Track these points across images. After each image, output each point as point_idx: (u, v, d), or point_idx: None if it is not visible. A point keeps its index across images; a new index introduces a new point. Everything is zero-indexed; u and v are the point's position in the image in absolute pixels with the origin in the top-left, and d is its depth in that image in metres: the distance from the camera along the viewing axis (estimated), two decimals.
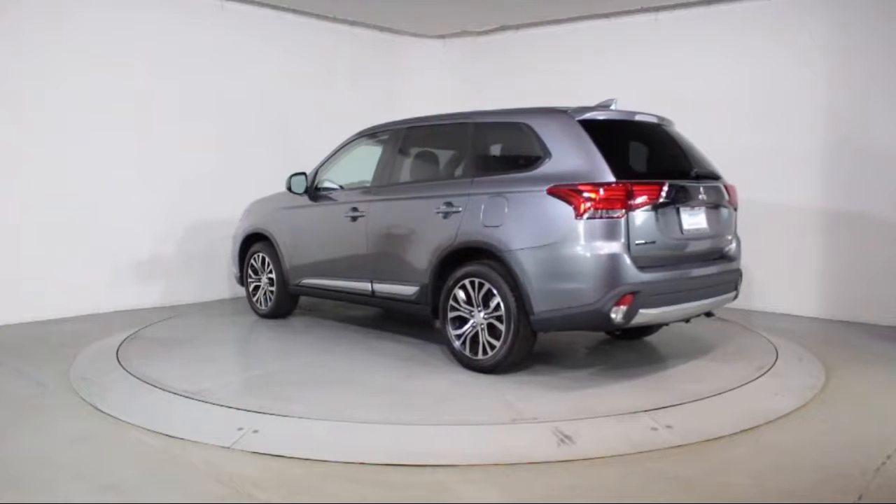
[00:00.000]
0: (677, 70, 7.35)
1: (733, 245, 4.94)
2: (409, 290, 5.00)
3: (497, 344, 4.41)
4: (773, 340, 5.48)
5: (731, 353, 5.15)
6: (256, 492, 2.93)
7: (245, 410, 3.77)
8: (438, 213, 4.76)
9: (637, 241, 4.13)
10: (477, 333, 4.53)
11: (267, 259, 6.28)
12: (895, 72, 6.28)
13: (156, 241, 7.05)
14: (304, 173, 5.89)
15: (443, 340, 4.81)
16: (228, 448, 3.36)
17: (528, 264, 4.22)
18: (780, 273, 6.90)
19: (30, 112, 6.22)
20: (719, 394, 4.14)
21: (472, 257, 4.59)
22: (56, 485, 3.02)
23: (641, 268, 4.12)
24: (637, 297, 4.08)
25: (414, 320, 5.82)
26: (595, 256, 4.05)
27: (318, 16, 8.07)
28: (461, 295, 4.60)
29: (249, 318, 6.48)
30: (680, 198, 4.39)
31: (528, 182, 4.36)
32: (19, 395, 4.23)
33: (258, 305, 6.47)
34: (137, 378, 4.39)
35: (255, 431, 3.52)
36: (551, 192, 4.18)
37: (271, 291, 6.30)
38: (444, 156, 5.36)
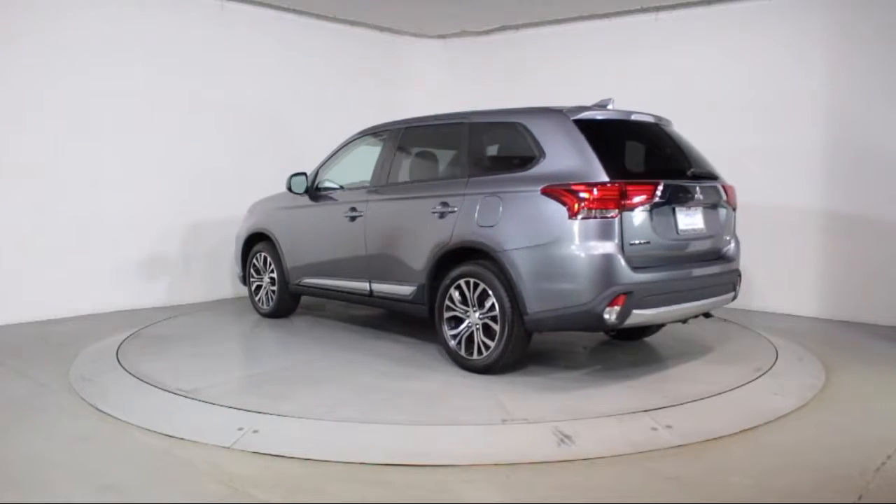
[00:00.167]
0: (677, 70, 7.35)
1: (732, 245, 4.91)
2: (406, 289, 5.01)
3: (492, 344, 4.42)
4: (772, 340, 5.48)
5: (731, 354, 5.15)
6: (256, 492, 2.93)
7: (245, 410, 3.77)
8: (434, 213, 4.76)
9: (631, 242, 4.12)
10: (472, 333, 4.53)
11: (269, 259, 6.30)
12: (895, 71, 6.28)
13: (156, 241, 7.05)
14: (304, 173, 5.91)
15: (440, 341, 4.81)
16: (228, 448, 3.36)
17: (521, 264, 4.21)
18: (780, 273, 6.90)
19: (29, 112, 6.22)
20: (719, 394, 4.14)
21: (467, 257, 4.59)
22: (56, 485, 3.02)
23: (635, 268, 4.10)
24: (630, 298, 4.06)
25: (413, 320, 5.82)
26: (588, 257, 4.04)
27: (318, 16, 8.07)
28: (457, 295, 4.61)
29: (251, 318, 6.48)
30: (675, 198, 4.37)
31: (522, 182, 4.36)
32: (19, 395, 4.23)
33: (260, 305, 6.50)
34: (137, 378, 4.39)
35: (255, 431, 3.52)
36: (545, 192, 4.18)
37: (273, 291, 6.32)
38: (440, 156, 5.36)
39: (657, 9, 7.44)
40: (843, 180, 6.55)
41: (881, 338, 5.87)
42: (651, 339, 5.45)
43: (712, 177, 4.78)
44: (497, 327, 4.37)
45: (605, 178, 4.08)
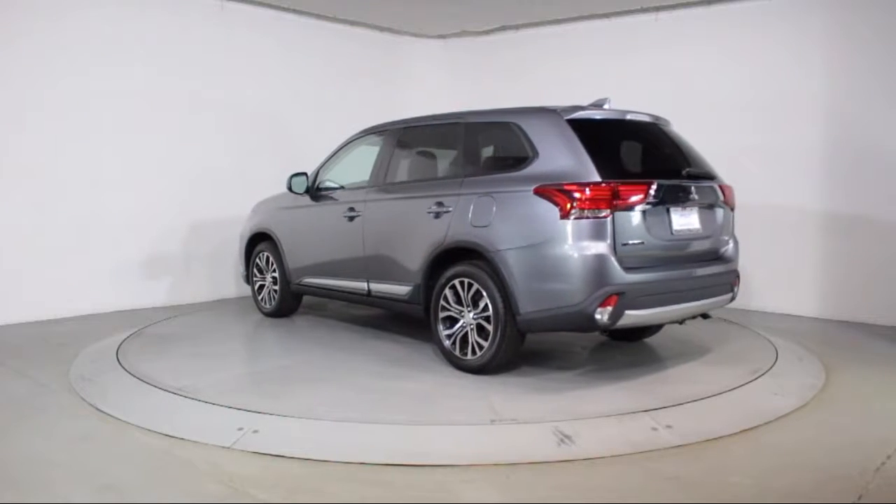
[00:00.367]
0: (677, 70, 7.35)
1: (730, 246, 4.88)
2: (402, 289, 5.01)
3: (486, 344, 4.41)
4: (772, 340, 5.48)
5: (731, 354, 5.15)
6: (256, 492, 2.93)
7: (245, 410, 3.77)
8: (430, 213, 4.76)
9: (624, 242, 4.10)
10: (466, 333, 4.53)
11: (271, 258, 6.33)
12: (895, 71, 6.28)
13: (156, 241, 7.05)
14: (304, 173, 5.94)
15: (435, 341, 4.80)
16: (228, 448, 3.36)
17: (514, 264, 4.21)
18: (780, 273, 6.90)
19: (29, 112, 6.22)
20: (719, 394, 4.14)
21: (462, 257, 4.59)
22: (56, 485, 3.02)
23: (628, 269, 4.08)
24: (623, 299, 4.04)
25: (413, 321, 5.82)
26: (580, 257, 4.02)
27: (318, 16, 8.07)
28: (451, 295, 4.61)
29: (253, 318, 6.50)
30: (670, 198, 4.34)
31: (515, 182, 4.35)
32: (19, 395, 4.23)
33: (263, 304, 6.53)
34: (137, 378, 4.39)
35: (255, 431, 3.52)
36: (538, 192, 4.17)
37: (275, 290, 6.35)
38: (437, 156, 5.37)
39: (657, 9, 7.44)
40: (842, 180, 6.55)
41: (881, 338, 5.87)
42: (650, 340, 5.45)
43: (709, 177, 4.74)
44: (490, 328, 4.37)
45: (598, 178, 4.06)
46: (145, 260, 7.00)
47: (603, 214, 4.04)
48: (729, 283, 4.81)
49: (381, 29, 8.72)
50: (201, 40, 7.25)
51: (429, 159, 5.41)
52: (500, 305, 4.29)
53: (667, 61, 7.41)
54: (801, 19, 6.70)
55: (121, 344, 5.28)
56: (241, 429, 3.54)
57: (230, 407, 3.84)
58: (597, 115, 4.51)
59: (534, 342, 5.30)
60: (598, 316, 4.01)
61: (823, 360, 4.98)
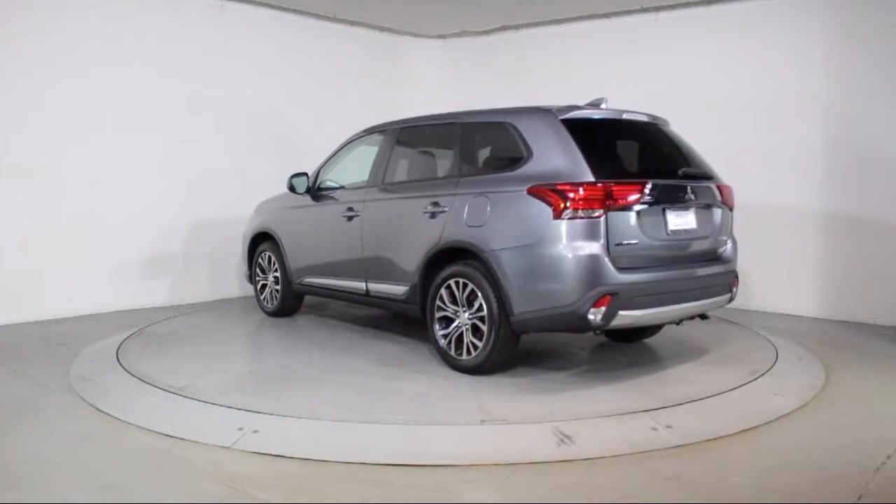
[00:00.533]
0: (677, 70, 7.35)
1: (728, 246, 4.84)
2: (399, 289, 5.02)
3: (480, 345, 4.41)
4: (772, 340, 5.48)
5: (731, 354, 5.15)
6: (256, 492, 2.93)
7: (245, 410, 3.77)
8: (426, 213, 4.76)
9: (617, 242, 4.08)
10: (462, 334, 4.53)
11: (273, 258, 6.35)
12: (895, 71, 6.28)
13: (156, 241, 7.05)
14: (305, 173, 5.97)
15: (431, 341, 4.80)
16: (228, 448, 3.36)
17: (508, 265, 4.20)
18: (780, 273, 6.90)
19: (29, 112, 6.22)
20: (719, 394, 4.14)
21: (457, 257, 4.58)
22: (56, 485, 3.02)
23: (622, 269, 4.06)
24: (616, 299, 4.02)
25: (413, 321, 5.82)
26: (573, 257, 4.01)
27: (318, 16, 8.07)
28: (447, 295, 4.60)
29: (254, 317, 6.51)
30: (666, 198, 4.31)
31: (509, 182, 4.34)
32: (19, 395, 4.23)
33: (265, 304, 6.56)
34: (137, 378, 4.39)
35: (255, 431, 3.52)
36: (531, 192, 4.16)
37: (277, 290, 6.37)
38: (434, 156, 5.36)
39: (657, 9, 7.44)
40: (842, 180, 6.55)
41: (881, 338, 5.87)
42: (650, 341, 5.44)
43: (706, 176, 4.70)
44: (485, 328, 4.36)
45: (591, 178, 4.05)
46: (145, 260, 7.00)
47: (596, 214, 4.02)
48: (727, 283, 4.78)
49: (381, 29, 8.72)
50: (201, 40, 7.25)
51: (426, 159, 5.42)
52: (495, 305, 4.29)
53: (667, 61, 7.41)
54: (801, 19, 6.70)
55: (121, 344, 5.28)
56: (241, 429, 3.54)
57: (230, 407, 3.84)
58: (592, 114, 4.50)
59: (533, 343, 5.30)
60: (591, 316, 4.00)
61: (823, 360, 4.98)
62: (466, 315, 4.49)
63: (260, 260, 6.53)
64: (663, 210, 4.31)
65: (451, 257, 4.62)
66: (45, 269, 6.32)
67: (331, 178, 5.97)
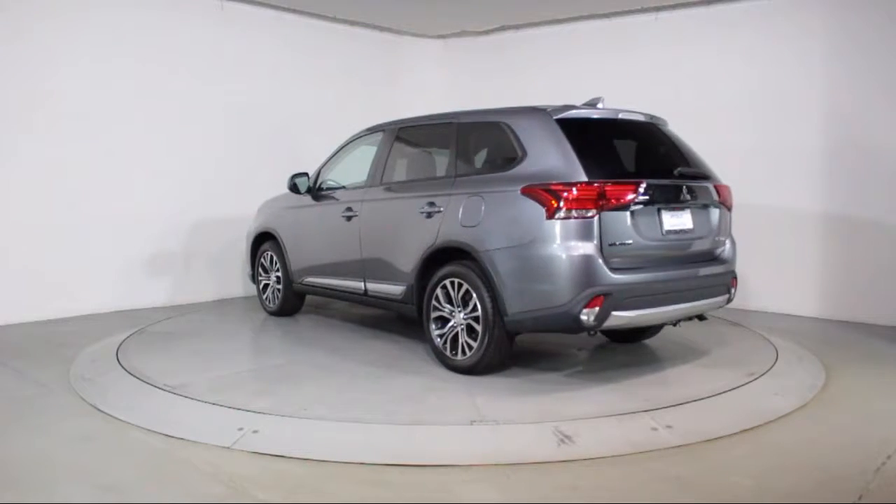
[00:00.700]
0: (677, 70, 7.35)
1: (726, 246, 4.80)
2: (397, 289, 5.02)
3: (475, 345, 4.40)
4: (772, 340, 5.48)
5: (731, 354, 5.15)
6: (256, 492, 2.93)
7: (245, 410, 3.77)
8: (422, 213, 4.76)
9: (611, 242, 4.05)
10: (457, 334, 4.52)
11: (274, 258, 6.38)
12: (895, 71, 6.28)
13: (157, 241, 7.05)
14: (305, 173, 6.00)
15: (427, 340, 4.81)
16: (228, 448, 3.36)
17: (501, 265, 4.19)
18: (780, 273, 6.90)
19: (31, 113, 6.22)
20: (719, 394, 4.14)
21: (452, 258, 4.57)
22: (56, 485, 3.02)
23: (615, 269, 4.04)
24: (609, 300, 4.00)
25: (413, 321, 5.82)
26: (565, 257, 3.99)
27: (318, 16, 8.07)
28: (442, 295, 4.60)
29: (254, 317, 6.52)
30: (661, 198, 4.28)
31: (503, 182, 4.33)
32: (19, 395, 4.23)
33: (267, 303, 6.59)
34: (138, 378, 4.38)
35: (255, 431, 3.52)
36: (525, 192, 4.15)
37: (279, 289, 6.39)
38: (430, 156, 5.37)
39: (657, 9, 7.44)
40: (843, 180, 6.55)
41: (881, 338, 5.87)
42: (650, 341, 5.42)
43: (703, 176, 4.65)
44: (480, 328, 4.36)
45: (584, 178, 4.03)
46: (146, 260, 7.00)
47: (590, 214, 4.00)
48: (725, 284, 4.74)
49: (381, 29, 8.72)
50: (201, 40, 7.25)
51: (423, 159, 5.42)
52: (489, 306, 4.28)
53: (667, 61, 7.41)
54: (802, 19, 6.70)
55: (121, 344, 5.28)
56: (241, 429, 3.54)
57: (230, 407, 3.84)
58: (587, 114, 4.48)
59: (533, 343, 5.30)
60: (583, 317, 3.98)
61: (823, 360, 4.98)
62: (461, 315, 4.48)
63: (262, 259, 6.56)
64: (658, 210, 4.29)
65: (446, 257, 4.62)
66: (45, 269, 6.32)
67: (331, 178, 5.99)
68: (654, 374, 4.58)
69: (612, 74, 7.61)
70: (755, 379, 4.44)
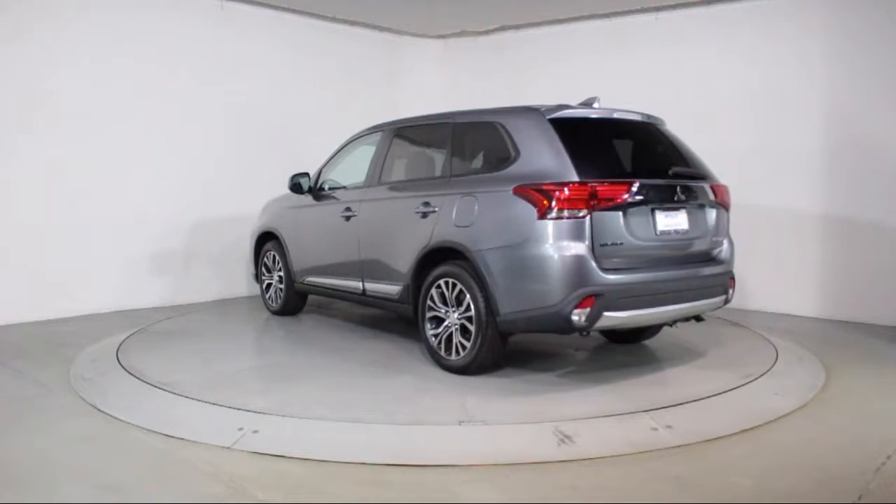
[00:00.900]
0: (677, 70, 7.35)
1: (724, 247, 4.74)
2: (393, 289, 5.03)
3: (468, 345, 4.40)
4: (772, 340, 5.48)
5: (731, 354, 5.15)
6: (256, 492, 2.93)
7: (245, 410, 3.77)
8: (417, 213, 4.77)
9: (602, 243, 4.03)
10: (451, 334, 4.52)
11: (277, 257, 6.40)
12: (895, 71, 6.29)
13: (157, 241, 7.05)
14: (306, 173, 6.02)
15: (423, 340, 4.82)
16: (228, 448, 3.36)
17: (493, 265, 4.19)
18: (780, 273, 6.90)
19: (31, 113, 6.22)
20: (719, 394, 4.13)
21: (448, 257, 4.57)
22: (56, 485, 3.02)
23: (607, 269, 4.02)
24: (600, 300, 3.98)
25: (412, 321, 5.82)
26: (556, 258, 3.97)
27: (318, 16, 8.07)
28: (437, 295, 4.60)
29: (255, 317, 6.54)
30: (655, 198, 4.25)
31: (496, 182, 4.33)
32: (19, 395, 4.23)
33: (270, 303, 6.61)
34: (138, 378, 4.38)
35: (255, 431, 3.52)
36: (517, 192, 4.14)
37: (281, 289, 6.42)
38: (427, 156, 5.37)
39: (657, 9, 7.44)
40: (843, 180, 6.55)
41: (881, 338, 5.87)
42: (649, 342, 5.40)
43: (699, 176, 4.61)
44: (473, 328, 4.35)
45: (576, 178, 4.01)
46: (146, 260, 7.00)
47: (581, 215, 3.98)
48: (722, 284, 4.69)
49: (381, 29, 8.72)
50: (201, 40, 7.25)
51: (419, 159, 5.42)
52: (482, 306, 4.27)
53: (667, 61, 7.41)
54: (802, 19, 6.70)
55: (121, 344, 5.28)
56: (241, 429, 3.54)
57: (230, 407, 3.83)
58: (581, 114, 4.46)
59: (531, 344, 5.30)
60: (574, 317, 3.96)
61: (823, 360, 4.98)
62: (455, 315, 4.48)
63: (265, 259, 6.59)
64: (652, 210, 4.26)
65: (441, 257, 4.62)
66: (45, 269, 6.32)
67: (331, 178, 6.02)
68: (654, 375, 4.58)
69: (612, 74, 7.61)
70: (755, 379, 4.44)
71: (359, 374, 4.55)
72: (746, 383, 4.35)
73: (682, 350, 5.20)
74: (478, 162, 4.82)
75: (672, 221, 4.37)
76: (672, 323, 4.70)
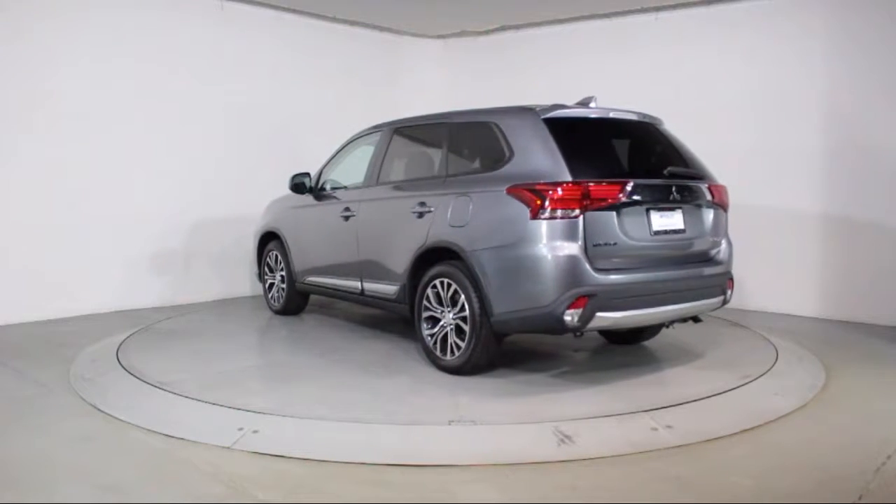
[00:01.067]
0: (677, 70, 7.35)
1: (721, 247, 4.69)
2: (391, 288, 5.04)
3: (463, 345, 4.39)
4: (772, 340, 5.48)
5: (731, 354, 5.14)
6: (256, 492, 2.93)
7: (245, 410, 3.77)
8: (413, 213, 4.77)
9: (595, 243, 4.01)
10: (447, 334, 4.52)
11: (279, 257, 6.42)
12: None
13: (157, 241, 7.04)
14: (307, 173, 6.04)
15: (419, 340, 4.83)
16: (228, 448, 3.36)
17: (487, 265, 4.18)
18: (781, 273, 6.89)
19: (32, 112, 6.22)
20: (719, 394, 4.13)
21: (443, 257, 4.57)
22: (56, 485, 3.02)
23: (600, 270, 4.00)
24: (593, 300, 3.96)
25: (412, 321, 5.83)
26: (549, 258, 3.96)
27: (318, 16, 8.07)
28: (433, 295, 4.60)
29: (257, 316, 6.55)
30: (649, 198, 4.23)
31: (490, 182, 4.33)
32: (19, 395, 4.23)
33: (272, 302, 6.64)
34: (138, 378, 4.38)
35: (255, 431, 3.52)
36: (510, 192, 4.13)
37: (283, 288, 6.43)
38: (424, 156, 5.37)
39: (657, 9, 7.43)
40: (843, 180, 6.55)
41: (881, 338, 5.87)
42: (649, 343, 5.38)
43: (696, 176, 4.57)
44: (467, 328, 4.35)
45: (569, 178, 4.00)
46: (146, 260, 6.99)
47: (573, 214, 3.97)
48: (720, 285, 4.64)
49: (381, 29, 8.72)
50: (201, 40, 7.25)
51: (416, 159, 5.42)
52: (476, 306, 4.27)
53: (667, 61, 7.41)
54: (802, 19, 6.70)
55: (121, 344, 5.28)
56: (241, 429, 3.53)
57: (230, 407, 3.83)
58: (576, 113, 4.45)
59: (530, 345, 5.30)
60: (567, 317, 3.95)
61: (823, 360, 4.98)
62: (450, 315, 4.48)
63: (268, 259, 6.61)
64: (647, 210, 4.24)
65: (437, 257, 4.62)
66: (45, 269, 6.32)
67: (332, 178, 6.03)
68: (654, 375, 4.58)
69: (612, 74, 7.61)
70: (755, 379, 4.44)
71: (359, 374, 4.55)
72: (746, 383, 4.35)
73: (682, 350, 5.20)
74: (473, 162, 4.82)
75: (667, 222, 4.35)
76: (669, 324, 4.68)
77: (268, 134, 7.76)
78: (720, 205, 4.70)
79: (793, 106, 6.74)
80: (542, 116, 4.30)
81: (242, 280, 7.65)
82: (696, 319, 4.72)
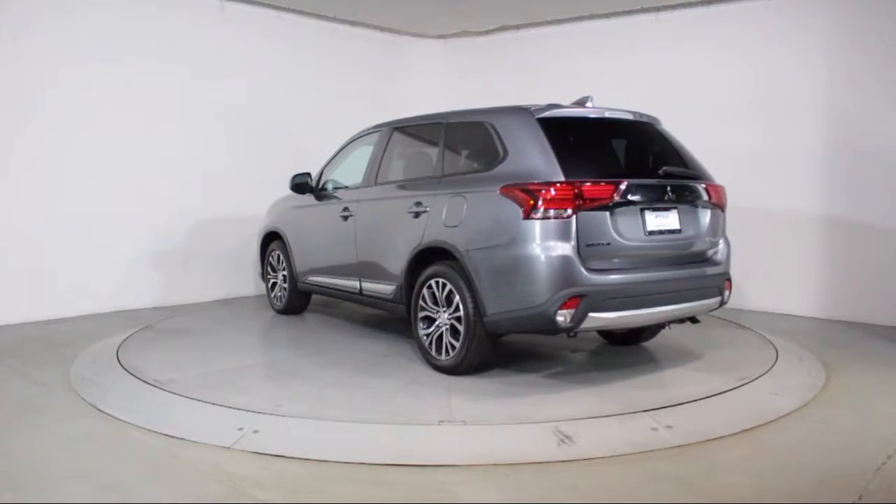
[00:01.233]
0: (677, 70, 7.35)
1: (719, 248, 4.66)
2: (388, 288, 5.05)
3: (458, 345, 4.39)
4: (772, 340, 5.48)
5: (731, 354, 5.15)
6: (256, 492, 2.93)
7: (245, 410, 3.77)
8: (410, 212, 4.77)
9: (588, 243, 4.00)
10: (442, 334, 4.52)
11: (281, 256, 6.44)
12: None
13: (157, 241, 7.05)
14: (308, 173, 6.06)
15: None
16: (228, 448, 3.36)
17: (480, 265, 4.18)
18: (781, 273, 6.89)
19: (32, 112, 6.22)
20: (719, 394, 4.14)
21: (438, 257, 4.57)
22: (56, 485, 3.02)
23: (593, 270, 3.99)
24: (585, 301, 3.94)
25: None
26: (541, 258, 3.96)
27: (318, 16, 8.07)
28: (428, 295, 4.61)
29: (258, 316, 6.56)
30: (644, 198, 4.20)
31: (484, 182, 4.33)
32: (19, 395, 4.23)
33: (275, 302, 6.67)
34: (138, 378, 4.39)
35: (255, 431, 3.52)
36: (503, 192, 4.13)
37: (285, 288, 6.45)
38: (420, 156, 5.37)
39: (657, 9, 7.44)
40: (843, 180, 6.54)
41: (881, 338, 5.87)
42: (649, 343, 5.37)
43: (692, 176, 4.55)
44: (462, 328, 4.35)
45: (562, 178, 3.99)
46: (146, 259, 7.00)
47: (566, 214, 3.96)
48: (717, 286, 4.61)
49: (381, 29, 8.72)
50: (201, 40, 7.25)
51: (413, 159, 5.42)
52: (470, 306, 4.27)
53: (667, 61, 7.41)
54: (803, 18, 6.70)
55: (121, 344, 5.28)
56: (241, 429, 3.54)
57: (230, 406, 3.84)
58: (571, 113, 4.44)
59: (530, 346, 5.30)
60: (559, 318, 3.94)
61: (823, 360, 4.98)
62: (445, 315, 4.48)
63: (270, 258, 6.63)
64: (642, 210, 4.21)
65: (432, 257, 4.62)
66: (45, 269, 6.32)
67: (332, 178, 6.05)
68: (653, 375, 4.58)
69: (612, 74, 7.61)
70: (755, 379, 4.44)
71: (358, 374, 4.55)
72: (746, 383, 4.35)
73: (682, 351, 5.19)
74: (468, 162, 4.82)
75: (663, 222, 4.32)
76: (666, 324, 4.67)
77: (268, 134, 7.76)
78: (718, 205, 4.67)
79: (792, 106, 6.74)
80: (537, 116, 4.29)
81: (248, 279, 7.64)
82: (693, 320, 4.69)
